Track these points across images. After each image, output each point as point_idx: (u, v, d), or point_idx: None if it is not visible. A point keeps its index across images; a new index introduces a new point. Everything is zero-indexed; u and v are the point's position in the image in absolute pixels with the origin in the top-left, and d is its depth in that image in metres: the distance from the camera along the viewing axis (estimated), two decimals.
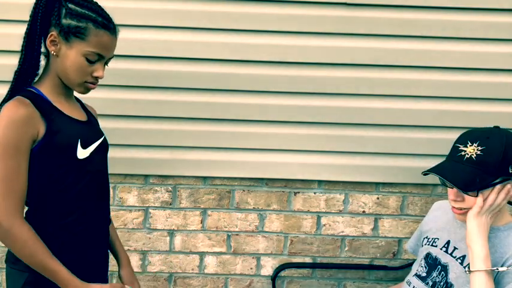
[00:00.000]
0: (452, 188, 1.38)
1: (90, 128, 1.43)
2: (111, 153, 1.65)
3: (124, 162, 1.88)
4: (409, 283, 1.57)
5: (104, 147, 1.48)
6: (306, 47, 1.85)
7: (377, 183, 1.97)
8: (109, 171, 1.61)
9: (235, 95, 1.87)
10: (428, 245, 1.55)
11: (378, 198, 1.98)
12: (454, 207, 1.40)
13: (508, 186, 1.34)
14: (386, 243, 2.00)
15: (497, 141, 1.35)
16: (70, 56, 1.29)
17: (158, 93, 1.85)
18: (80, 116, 1.41)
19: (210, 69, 1.85)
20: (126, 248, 1.92)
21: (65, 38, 1.28)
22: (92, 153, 1.38)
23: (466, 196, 1.36)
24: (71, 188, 1.34)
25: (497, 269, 1.29)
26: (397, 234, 1.99)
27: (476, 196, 1.34)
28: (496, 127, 1.42)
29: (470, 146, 1.38)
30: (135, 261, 1.96)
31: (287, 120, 1.89)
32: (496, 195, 1.33)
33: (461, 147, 1.40)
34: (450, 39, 1.86)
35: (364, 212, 1.99)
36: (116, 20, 1.58)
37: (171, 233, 1.96)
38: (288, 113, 1.89)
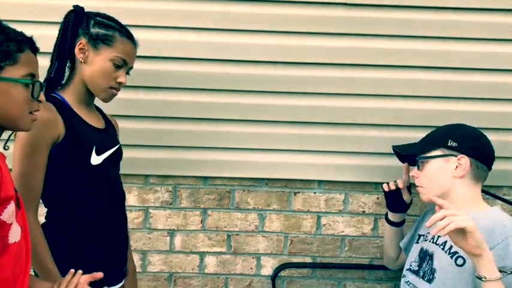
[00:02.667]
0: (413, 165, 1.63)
1: (106, 136, 1.52)
2: None
3: (124, 162, 1.86)
4: (403, 276, 1.64)
5: (117, 155, 1.56)
6: (306, 47, 1.85)
7: (377, 183, 1.97)
8: None
9: (235, 95, 1.87)
10: (423, 240, 1.62)
11: (377, 198, 1.98)
12: (416, 185, 1.62)
13: (454, 159, 1.50)
14: None
15: (448, 125, 1.63)
16: (98, 61, 1.41)
17: (158, 93, 1.86)
18: (98, 123, 1.51)
19: (210, 69, 1.85)
20: None
21: (93, 45, 1.41)
22: (104, 160, 1.46)
23: (419, 173, 1.58)
24: (83, 190, 1.42)
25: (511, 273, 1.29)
26: None
27: (419, 167, 1.57)
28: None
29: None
30: (135, 261, 1.96)
31: (287, 120, 1.89)
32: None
33: None
34: (451, 39, 1.86)
35: (364, 212, 1.99)
36: None
37: (171, 233, 1.97)
38: (288, 113, 1.89)
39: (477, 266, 1.24)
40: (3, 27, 1.09)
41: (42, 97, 1.13)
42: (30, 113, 1.13)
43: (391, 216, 1.80)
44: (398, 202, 1.77)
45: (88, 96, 1.47)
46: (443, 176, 1.51)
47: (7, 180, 1.05)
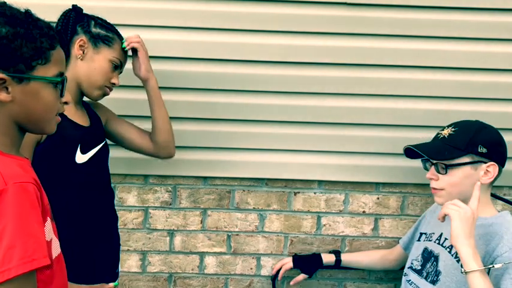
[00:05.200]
0: (428, 167, 1.54)
1: (91, 134, 1.51)
2: (112, 153, 1.66)
3: (124, 162, 1.87)
4: (405, 274, 1.64)
5: (104, 151, 1.56)
6: (306, 47, 1.85)
7: (377, 183, 1.97)
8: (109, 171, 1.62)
9: (235, 95, 1.87)
10: (426, 240, 1.61)
11: (378, 198, 1.98)
12: (432, 187, 1.52)
13: (483, 166, 1.44)
14: (387, 243, 2.00)
15: (470, 125, 1.52)
16: (97, 60, 1.46)
17: None
18: (83, 121, 1.49)
19: (210, 69, 1.85)
20: (126, 248, 1.93)
21: (94, 43, 1.46)
22: (90, 158, 1.46)
23: (440, 176, 1.48)
24: (70, 189, 1.41)
25: (493, 266, 1.32)
26: (398, 234, 1.99)
27: (445, 173, 1.46)
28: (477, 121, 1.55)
29: (446, 129, 1.54)
30: (135, 261, 1.96)
31: (287, 120, 1.89)
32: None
33: (440, 131, 1.55)
34: (451, 39, 1.86)
35: (364, 212, 1.99)
36: (116, 20, 1.60)
37: (171, 233, 1.96)
38: (288, 113, 1.89)
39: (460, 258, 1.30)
40: (36, 20, 0.99)
41: (68, 98, 1.06)
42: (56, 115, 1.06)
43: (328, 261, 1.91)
44: (306, 266, 1.91)
45: (77, 95, 1.49)
46: (469, 182, 1.43)
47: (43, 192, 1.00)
